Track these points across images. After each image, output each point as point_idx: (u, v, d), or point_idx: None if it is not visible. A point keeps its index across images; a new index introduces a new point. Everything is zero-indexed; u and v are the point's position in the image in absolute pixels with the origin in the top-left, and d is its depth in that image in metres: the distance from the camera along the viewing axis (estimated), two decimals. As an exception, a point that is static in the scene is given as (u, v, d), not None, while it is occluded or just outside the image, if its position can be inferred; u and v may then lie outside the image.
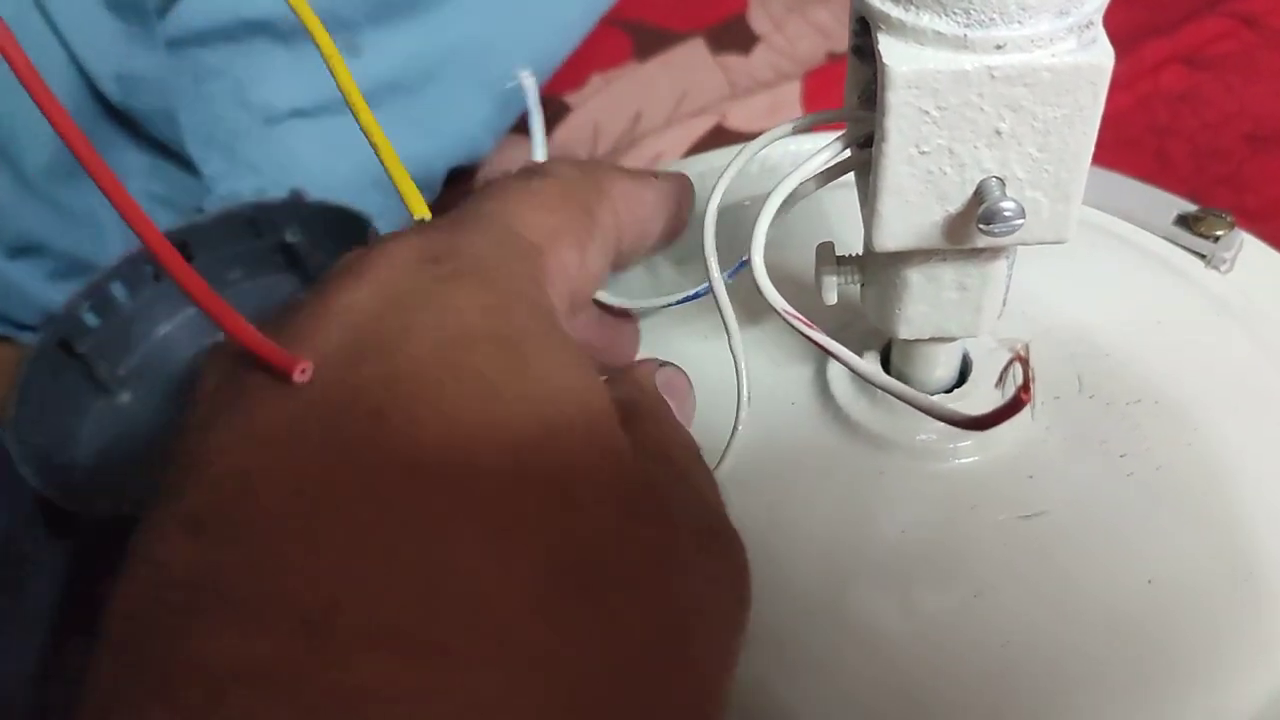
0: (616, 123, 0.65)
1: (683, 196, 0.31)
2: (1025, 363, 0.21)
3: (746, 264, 0.29)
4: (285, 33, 0.49)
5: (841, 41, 0.69)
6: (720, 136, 0.62)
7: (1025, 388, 0.21)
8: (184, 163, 0.49)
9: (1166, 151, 0.64)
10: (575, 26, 0.57)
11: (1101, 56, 0.24)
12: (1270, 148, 0.64)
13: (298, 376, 0.21)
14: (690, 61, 0.69)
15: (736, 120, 0.62)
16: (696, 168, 0.45)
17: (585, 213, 0.27)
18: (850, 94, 0.28)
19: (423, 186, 0.54)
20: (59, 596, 0.43)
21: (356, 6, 0.49)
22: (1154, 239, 0.40)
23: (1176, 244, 0.40)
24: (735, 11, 0.72)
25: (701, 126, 0.62)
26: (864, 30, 0.26)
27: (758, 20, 0.72)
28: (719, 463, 0.30)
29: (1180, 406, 0.33)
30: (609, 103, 0.66)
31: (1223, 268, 0.39)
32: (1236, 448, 0.32)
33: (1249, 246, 0.40)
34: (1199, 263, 0.39)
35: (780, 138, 0.29)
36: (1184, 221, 0.41)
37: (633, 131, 0.64)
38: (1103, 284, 0.37)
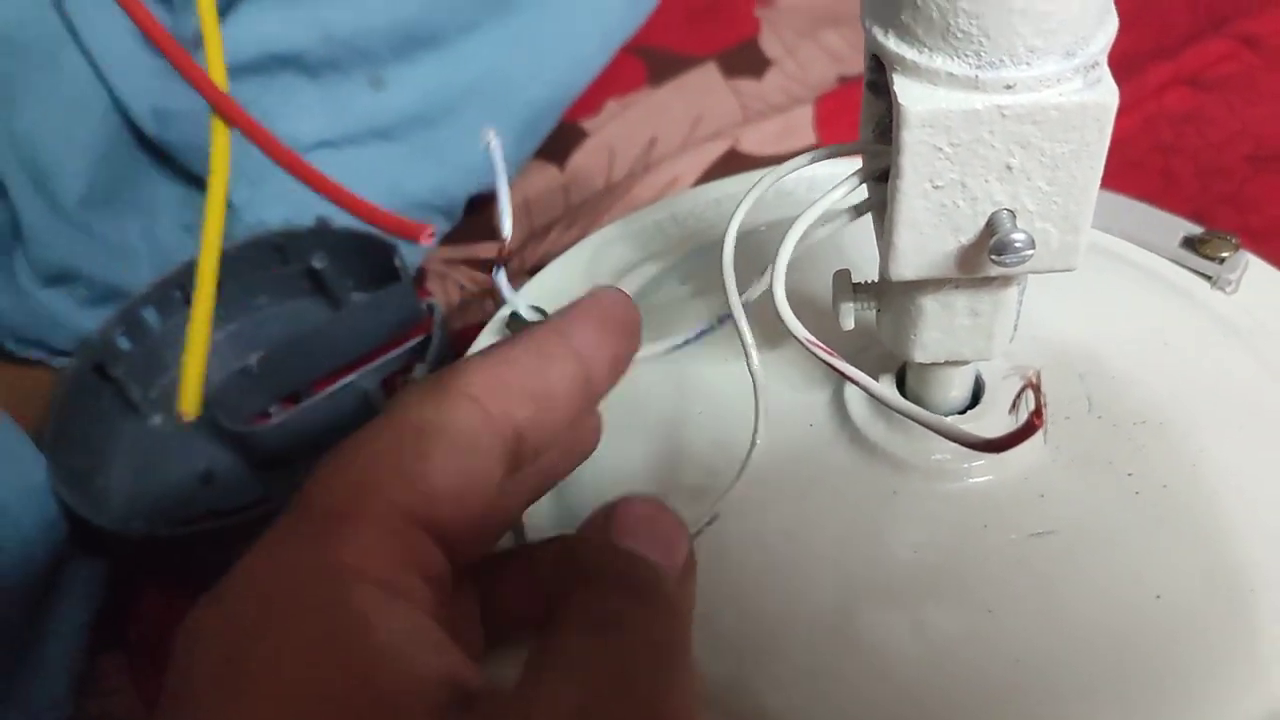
0: (632, 148, 0.66)
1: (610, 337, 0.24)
2: (1037, 389, 0.22)
3: (709, 330, 0.31)
4: (312, 66, 0.50)
5: (852, 65, 0.71)
6: (734, 160, 0.63)
7: (1038, 413, 0.22)
8: None
9: (1171, 171, 0.65)
10: (593, 59, 0.59)
11: (1106, 95, 0.25)
12: (1272, 167, 0.65)
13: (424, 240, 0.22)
14: (704, 86, 0.70)
15: (750, 144, 0.64)
16: (712, 194, 0.46)
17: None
18: (865, 127, 0.30)
19: (444, 213, 0.56)
20: (92, 613, 0.44)
21: (380, 41, 0.50)
22: (1160, 261, 0.41)
23: (1183, 265, 0.41)
24: (747, 36, 0.74)
25: (715, 150, 0.64)
26: (879, 67, 0.27)
27: (770, 45, 0.73)
28: (733, 482, 0.31)
29: (1186, 427, 0.34)
30: (624, 128, 0.67)
31: (1228, 289, 0.40)
32: (1240, 468, 0.33)
33: (1254, 267, 0.41)
34: (1205, 284, 0.40)
35: (795, 170, 0.30)
36: (1190, 243, 0.42)
37: (648, 156, 0.66)
38: (1111, 306, 0.39)
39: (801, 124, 0.65)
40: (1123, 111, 0.71)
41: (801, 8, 0.76)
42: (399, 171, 0.52)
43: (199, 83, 0.26)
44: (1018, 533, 0.32)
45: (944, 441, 0.27)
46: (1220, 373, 0.36)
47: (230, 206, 0.50)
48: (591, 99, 0.67)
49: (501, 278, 0.36)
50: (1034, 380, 0.22)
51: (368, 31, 0.50)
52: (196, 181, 0.49)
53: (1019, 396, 0.24)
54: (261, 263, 0.51)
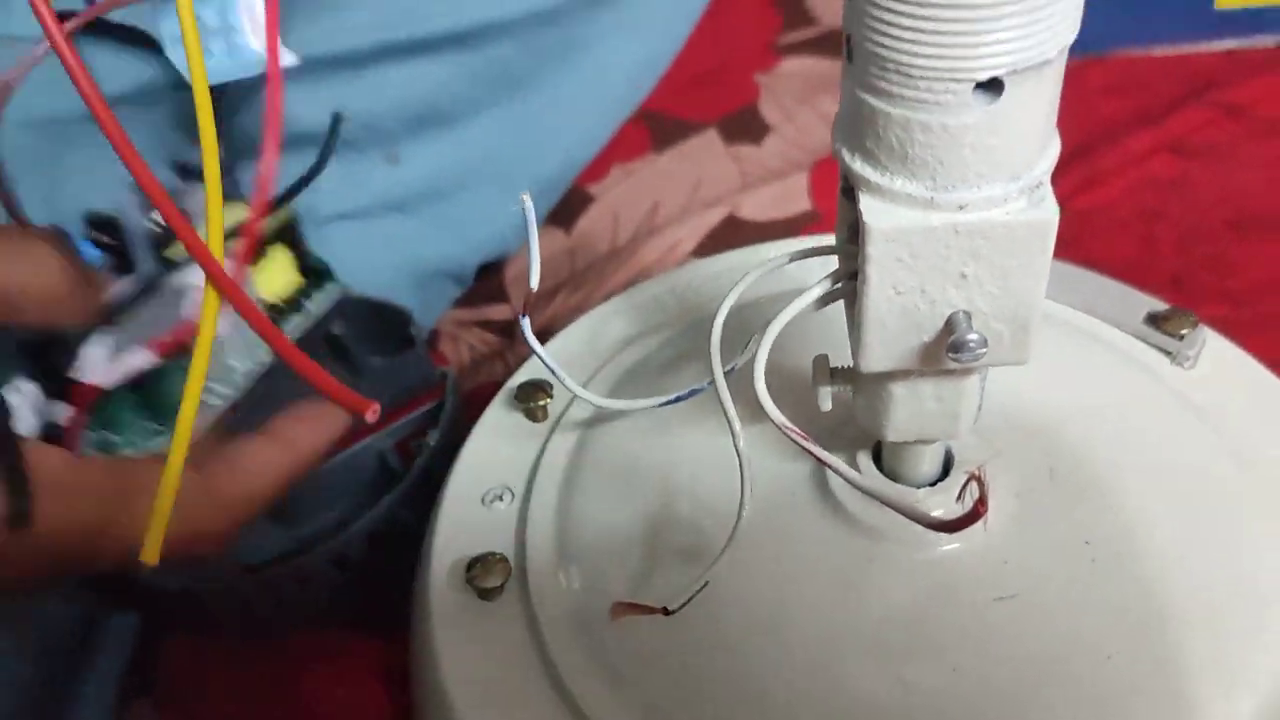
0: (636, 212, 0.69)
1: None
2: (980, 482, 0.25)
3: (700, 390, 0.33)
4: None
5: (847, 132, 0.74)
6: (732, 226, 0.66)
7: (982, 501, 0.25)
8: None
9: (1155, 235, 0.68)
10: (599, 135, 0.62)
11: (1048, 213, 0.28)
12: (1252, 232, 0.67)
13: (370, 416, 0.26)
14: (705, 152, 0.73)
15: (748, 210, 0.67)
16: (709, 269, 0.49)
17: None
18: (840, 229, 0.33)
19: (455, 280, 0.59)
20: (126, 663, 0.47)
21: (396, 120, 0.54)
22: (1125, 336, 0.44)
23: (1146, 341, 0.44)
24: (748, 102, 0.77)
25: (715, 216, 0.67)
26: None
27: (769, 110, 0.76)
28: (721, 552, 0.34)
29: (1141, 498, 0.37)
30: (628, 193, 0.70)
31: (1186, 364, 0.43)
32: (1189, 539, 0.35)
33: (1211, 343, 0.44)
34: (1165, 359, 0.43)
35: (778, 266, 0.33)
36: (1152, 319, 0.44)
37: (651, 220, 0.69)
38: (1076, 381, 0.41)
39: (797, 190, 0.68)
40: (1109, 177, 0.73)
41: (800, 74, 0.79)
42: (414, 242, 0.55)
43: (196, 251, 0.29)
44: (983, 597, 0.34)
45: (909, 518, 0.30)
46: (1176, 446, 0.39)
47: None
48: (597, 165, 0.70)
49: (526, 324, 0.38)
50: (978, 474, 0.25)
51: (384, 112, 0.53)
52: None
53: (965, 486, 0.26)
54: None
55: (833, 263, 0.32)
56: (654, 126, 0.75)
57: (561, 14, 0.54)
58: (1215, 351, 0.44)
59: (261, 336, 0.32)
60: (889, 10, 0.25)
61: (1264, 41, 0.79)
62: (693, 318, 0.46)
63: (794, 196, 0.68)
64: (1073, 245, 0.65)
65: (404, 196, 0.55)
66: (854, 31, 0.26)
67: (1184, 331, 0.43)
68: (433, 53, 0.53)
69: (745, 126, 0.75)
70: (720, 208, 0.67)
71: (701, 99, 0.77)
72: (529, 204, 0.36)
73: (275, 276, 0.42)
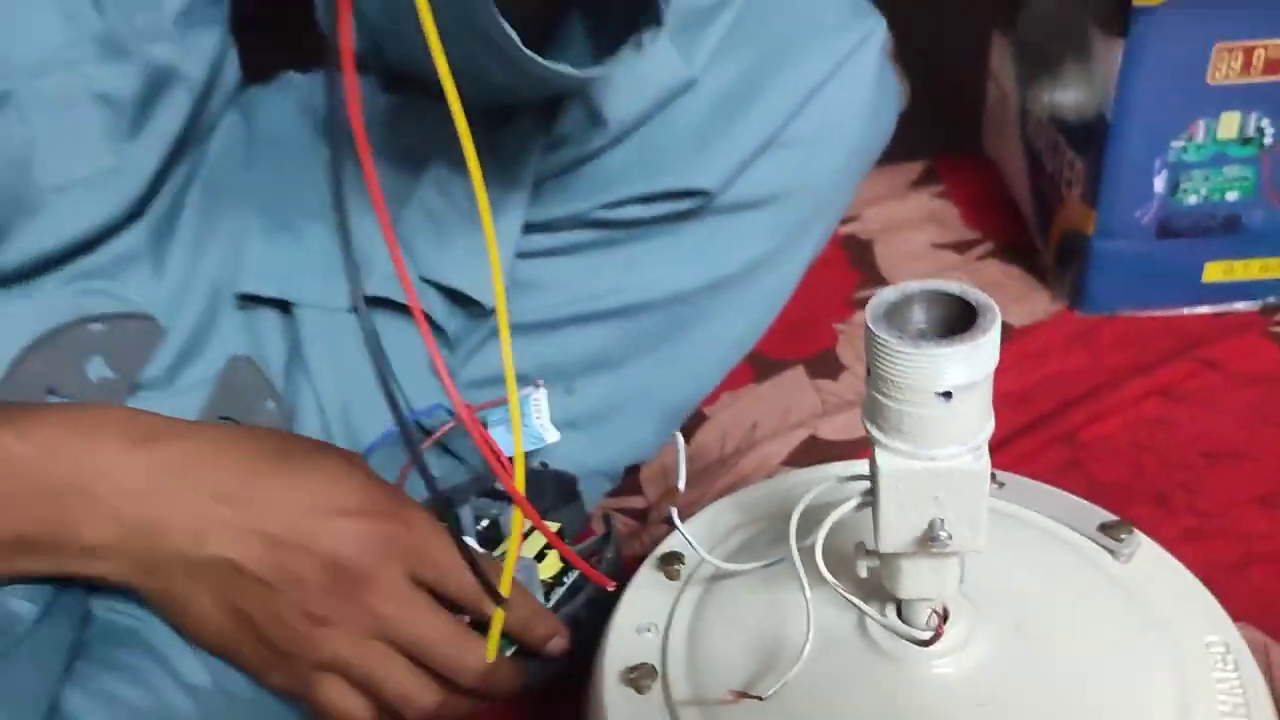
0: (739, 430, 0.91)
1: None
2: (940, 614, 0.45)
3: (784, 560, 0.54)
4: (526, 381, 0.76)
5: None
6: (813, 444, 0.87)
7: (939, 630, 0.45)
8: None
9: (1143, 462, 0.87)
10: (717, 377, 0.83)
11: (984, 466, 0.48)
12: (1221, 462, 0.86)
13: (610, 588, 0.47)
14: (793, 384, 0.95)
15: (826, 432, 0.88)
16: (790, 480, 0.70)
17: None
18: (870, 467, 0.53)
19: (608, 478, 0.81)
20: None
21: (575, 365, 0.76)
22: (1081, 538, 0.63)
23: (1096, 542, 0.63)
24: (828, 345, 0.99)
25: (800, 436, 0.88)
26: (875, 436, 0.51)
27: (844, 353, 0.98)
28: (797, 663, 0.53)
29: (1084, 647, 0.56)
30: (734, 415, 0.92)
31: (1123, 559, 0.62)
32: (1113, 678, 0.54)
33: (1144, 545, 0.63)
34: (1108, 555, 0.62)
35: (825, 485, 0.54)
36: (1103, 527, 0.64)
37: (751, 437, 0.90)
38: (1041, 566, 0.61)
39: (864, 417, 0.89)
40: (1109, 414, 0.95)
41: (870, 324, 1.01)
42: (581, 451, 0.77)
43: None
44: (965, 703, 0.54)
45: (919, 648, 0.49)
46: (1109, 616, 0.58)
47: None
48: (712, 392, 0.92)
49: (675, 514, 0.59)
50: (939, 610, 0.45)
51: (566, 360, 0.76)
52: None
53: (928, 617, 0.46)
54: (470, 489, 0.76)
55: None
56: (755, 363, 0.97)
57: (693, 296, 0.76)
58: (1146, 552, 0.63)
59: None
60: (890, 354, 0.47)
61: (1241, 307, 1.00)
62: (781, 512, 0.67)
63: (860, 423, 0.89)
64: (1078, 468, 0.85)
65: (576, 418, 0.77)
66: (870, 363, 0.48)
67: (1124, 536, 0.63)
68: (603, 321, 0.76)
69: (826, 365, 0.97)
70: (804, 429, 0.88)
71: (792, 342, 1.00)
72: (680, 440, 0.58)
73: (548, 567, 0.65)
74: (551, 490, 0.73)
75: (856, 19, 0.73)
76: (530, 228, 0.72)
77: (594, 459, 0.78)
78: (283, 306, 0.73)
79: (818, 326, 1.01)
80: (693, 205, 0.72)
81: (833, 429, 0.88)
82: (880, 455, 0.49)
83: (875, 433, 0.49)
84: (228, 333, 0.73)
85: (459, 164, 0.57)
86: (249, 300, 0.72)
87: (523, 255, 0.73)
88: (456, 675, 0.57)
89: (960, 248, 1.10)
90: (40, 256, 0.63)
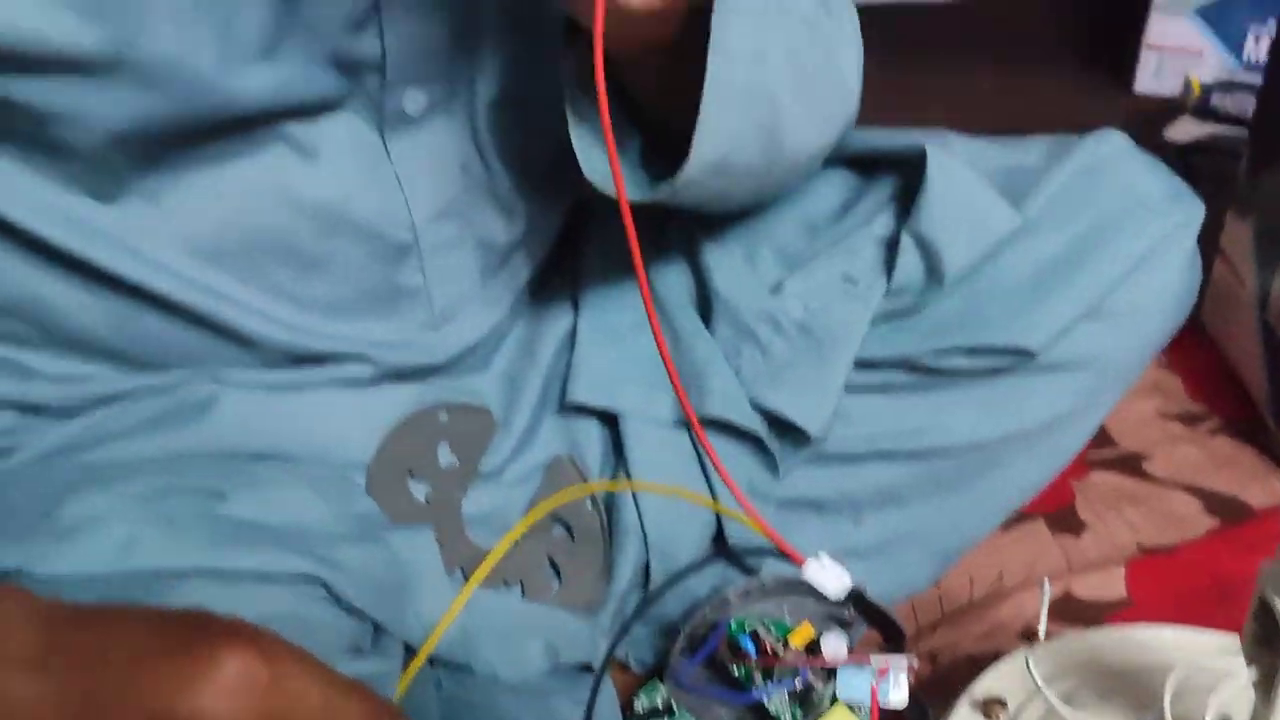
0: (986, 577, 0.92)
1: None
2: None
3: None
4: (821, 509, 0.79)
5: (1147, 537, 0.96)
6: (1067, 600, 0.88)
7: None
8: None
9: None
10: (994, 523, 0.86)
11: None
12: None
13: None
14: (1034, 538, 0.97)
15: (1079, 590, 0.89)
16: (1113, 637, 0.71)
17: None
18: (1249, 645, 0.55)
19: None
20: None
21: (867, 496, 0.79)
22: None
23: None
24: (1066, 503, 1.01)
25: (1052, 591, 0.89)
26: (1266, 616, 0.53)
27: (1083, 510, 1.00)
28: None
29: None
30: (979, 561, 0.94)
31: None
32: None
33: None
34: None
35: (1197, 654, 0.56)
36: None
37: (997, 585, 0.92)
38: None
39: (1115, 580, 0.90)
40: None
41: (1106, 484, 1.03)
42: (863, 579, 0.79)
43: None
44: None
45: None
46: None
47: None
48: (957, 537, 0.94)
49: (1028, 660, 0.61)
50: None
51: (860, 493, 0.79)
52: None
53: None
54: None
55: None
56: (998, 512, 0.99)
57: (991, 445, 0.79)
58: None
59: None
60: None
61: None
62: (1121, 670, 0.68)
63: (1112, 584, 0.91)
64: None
65: (860, 547, 0.80)
66: None
67: None
68: (902, 460, 0.79)
69: (1066, 521, 0.99)
70: (1058, 584, 0.90)
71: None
72: (1047, 587, 0.60)
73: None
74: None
75: (1179, 201, 0.76)
76: (855, 364, 0.75)
77: (875, 589, 0.80)
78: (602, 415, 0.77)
79: (1056, 484, 1.03)
80: (1013, 362, 0.74)
81: (1086, 588, 0.90)
82: None
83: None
84: (549, 432, 0.77)
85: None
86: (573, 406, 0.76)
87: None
88: None
89: (1187, 420, 1.11)
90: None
